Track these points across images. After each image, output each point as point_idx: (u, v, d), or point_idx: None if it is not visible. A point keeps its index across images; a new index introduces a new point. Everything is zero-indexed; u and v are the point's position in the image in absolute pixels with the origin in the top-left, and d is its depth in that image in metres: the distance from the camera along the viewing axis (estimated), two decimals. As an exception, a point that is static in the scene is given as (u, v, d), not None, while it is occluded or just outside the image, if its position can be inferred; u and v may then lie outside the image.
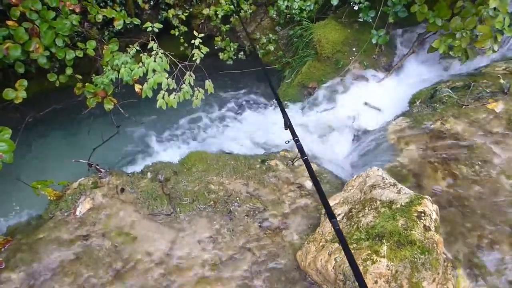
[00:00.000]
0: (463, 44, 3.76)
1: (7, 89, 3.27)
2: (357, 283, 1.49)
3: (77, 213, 3.13)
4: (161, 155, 4.51)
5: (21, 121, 4.02)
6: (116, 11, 3.93)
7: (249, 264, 2.74)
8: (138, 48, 3.62)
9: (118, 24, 3.81)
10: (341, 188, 3.13)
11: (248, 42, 5.41)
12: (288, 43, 5.34)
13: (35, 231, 3.03)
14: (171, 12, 4.98)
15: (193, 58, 3.41)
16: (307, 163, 2.05)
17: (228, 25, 5.19)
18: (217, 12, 5.02)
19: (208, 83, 3.45)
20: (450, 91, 3.81)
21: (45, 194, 3.12)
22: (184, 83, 3.35)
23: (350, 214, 2.66)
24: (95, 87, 3.68)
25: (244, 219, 3.07)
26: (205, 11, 5.04)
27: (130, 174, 3.55)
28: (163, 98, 3.30)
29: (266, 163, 3.60)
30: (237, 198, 3.23)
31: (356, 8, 4.57)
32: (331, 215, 1.74)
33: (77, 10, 3.53)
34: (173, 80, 3.32)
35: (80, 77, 3.80)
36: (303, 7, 4.87)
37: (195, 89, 3.41)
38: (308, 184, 3.37)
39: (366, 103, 4.40)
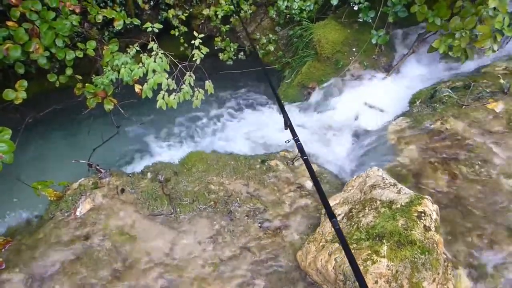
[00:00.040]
0: (462, 44, 3.76)
1: (7, 90, 3.27)
2: (357, 283, 1.49)
3: (78, 213, 3.13)
4: (161, 155, 4.51)
5: (21, 122, 4.02)
6: (116, 11, 3.93)
7: (249, 264, 2.74)
8: (138, 48, 3.62)
9: (118, 25, 3.81)
10: (341, 188, 3.13)
11: (248, 42, 5.40)
12: (288, 43, 5.34)
13: (36, 232, 3.04)
14: (171, 12, 4.98)
15: (193, 59, 3.41)
16: (307, 163, 2.05)
17: (228, 26, 5.19)
18: (217, 13, 5.01)
19: (208, 84, 3.44)
20: (450, 91, 3.81)
21: (46, 194, 3.13)
22: (184, 84, 3.35)
23: (350, 214, 2.66)
24: (95, 88, 3.68)
25: (244, 219, 3.07)
26: (205, 12, 5.04)
27: (130, 175, 3.55)
28: (163, 98, 3.30)
29: (266, 163, 3.60)
30: (237, 199, 3.23)
31: (356, 8, 4.57)
32: (331, 215, 1.74)
33: (77, 10, 3.53)
34: (173, 81, 3.32)
35: (80, 77, 3.79)
36: (303, 7, 4.87)
37: (195, 89, 3.41)
38: (308, 184, 3.37)
39: (366, 103, 4.40)
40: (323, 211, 2.91)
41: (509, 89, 3.54)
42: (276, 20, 5.21)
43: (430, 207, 2.43)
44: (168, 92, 3.32)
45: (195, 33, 3.42)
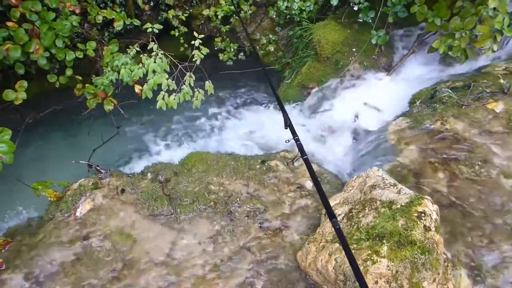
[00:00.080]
0: (462, 44, 3.76)
1: (7, 90, 3.27)
2: (357, 283, 1.49)
3: (78, 214, 3.13)
4: (161, 155, 4.51)
5: (21, 122, 4.02)
6: (116, 12, 3.93)
7: (249, 265, 2.74)
8: (138, 49, 3.63)
9: (118, 25, 3.81)
10: (341, 188, 3.13)
11: (248, 43, 5.41)
12: (288, 43, 5.35)
13: (36, 232, 3.04)
14: (171, 13, 4.98)
15: (193, 59, 3.41)
16: (307, 162, 2.05)
17: (228, 26, 5.19)
18: (217, 13, 5.02)
19: (208, 84, 3.45)
20: (450, 91, 3.81)
21: (46, 195, 3.13)
22: (184, 84, 3.35)
23: (350, 214, 2.66)
24: (95, 88, 3.68)
25: (245, 219, 3.07)
26: (205, 12, 5.04)
27: (130, 175, 3.55)
28: (163, 99, 3.30)
29: (266, 164, 3.60)
30: (238, 199, 3.23)
31: (355, 8, 4.57)
32: (331, 215, 1.74)
33: (77, 11, 3.53)
34: (173, 81, 3.32)
35: (80, 78, 3.79)
36: (303, 8, 4.87)
37: (195, 90, 3.41)
38: (308, 184, 3.37)
39: (366, 104, 4.40)
40: (323, 211, 2.91)
41: (509, 89, 3.54)
42: (276, 20, 5.21)
43: (430, 207, 2.43)
44: (168, 92, 3.33)
45: (195, 34, 3.43)
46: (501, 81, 3.59)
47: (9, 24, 3.23)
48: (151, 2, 4.93)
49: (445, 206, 2.87)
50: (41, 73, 4.04)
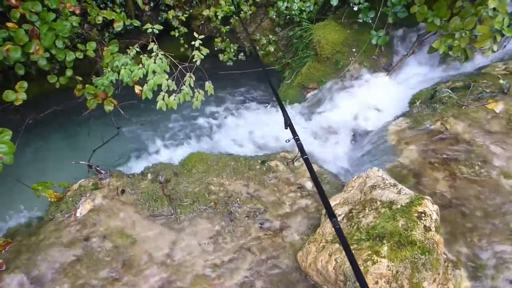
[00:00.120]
0: (462, 44, 3.76)
1: (7, 91, 3.27)
2: (357, 284, 1.49)
3: (78, 214, 3.14)
4: (161, 156, 4.51)
5: (21, 123, 4.02)
6: (116, 12, 3.93)
7: (249, 265, 2.74)
8: (138, 49, 3.63)
9: (118, 26, 3.81)
10: (341, 188, 3.13)
11: (248, 43, 5.41)
12: (288, 44, 5.35)
13: (36, 233, 3.04)
14: (171, 13, 4.99)
15: (193, 60, 3.41)
16: (307, 162, 2.06)
17: (228, 26, 5.20)
18: (217, 13, 5.02)
19: (208, 85, 3.45)
20: (450, 91, 3.81)
21: (46, 195, 3.13)
22: (184, 85, 3.35)
23: (351, 214, 2.66)
24: (95, 89, 3.68)
25: (245, 220, 3.07)
26: (205, 12, 5.04)
27: (130, 176, 3.55)
28: (163, 99, 3.30)
29: (266, 164, 3.60)
30: (238, 199, 3.23)
31: (355, 8, 4.57)
32: (331, 215, 1.74)
33: (77, 11, 3.53)
34: (173, 82, 3.32)
35: (80, 78, 3.79)
36: (303, 8, 4.87)
37: (195, 90, 3.41)
38: (309, 184, 3.37)
39: (366, 104, 4.40)
40: (324, 211, 2.91)
41: (509, 90, 3.54)
42: (276, 21, 5.21)
43: (430, 207, 2.43)
44: (168, 93, 3.33)
45: (195, 34, 3.43)
46: (501, 81, 3.59)
47: (9, 25, 3.24)
48: (151, 2, 4.94)
49: (445, 206, 2.87)
50: (41, 74, 4.04)
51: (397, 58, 4.77)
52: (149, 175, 3.53)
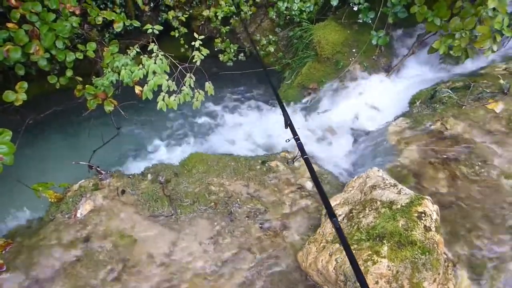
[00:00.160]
0: (462, 44, 3.76)
1: (8, 91, 3.27)
2: (358, 284, 1.49)
3: (78, 215, 3.14)
4: (161, 156, 4.51)
5: (22, 123, 4.02)
6: (116, 13, 3.93)
7: (250, 265, 2.74)
8: (138, 50, 3.63)
9: (117, 27, 3.81)
10: (342, 189, 3.13)
11: (248, 44, 5.41)
12: (288, 44, 5.35)
13: (36, 233, 3.04)
14: (171, 13, 4.99)
15: (194, 60, 3.41)
16: (307, 162, 2.06)
17: (228, 27, 5.20)
18: (217, 14, 5.02)
19: (208, 85, 3.45)
20: (450, 91, 3.81)
21: (46, 196, 3.13)
22: (185, 85, 3.35)
23: (351, 214, 2.66)
24: (96, 89, 3.68)
25: (245, 220, 3.07)
26: (205, 13, 5.04)
27: (130, 176, 3.55)
28: (163, 100, 3.30)
29: (266, 164, 3.60)
30: (238, 199, 3.23)
31: (355, 9, 4.57)
32: (331, 214, 1.74)
33: (77, 12, 3.53)
34: (173, 82, 3.32)
35: (80, 79, 3.79)
36: (303, 8, 4.88)
37: (195, 90, 3.41)
38: (309, 185, 3.37)
39: (366, 104, 4.41)
40: (324, 211, 2.91)
41: (509, 90, 3.54)
42: (276, 21, 5.21)
43: (430, 207, 2.43)
44: (169, 93, 3.33)
45: (195, 35, 3.43)
46: (501, 81, 3.59)
47: (9, 25, 3.24)
48: (151, 3, 4.94)
49: (445, 206, 2.87)
50: (41, 74, 4.04)
51: (397, 58, 4.77)
52: (149, 175, 3.53)
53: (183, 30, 5.06)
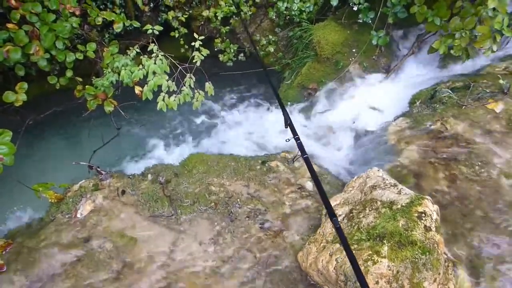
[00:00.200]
0: (463, 44, 3.76)
1: (8, 92, 3.28)
2: (358, 284, 1.49)
3: (78, 215, 3.14)
4: (161, 157, 4.51)
5: (22, 124, 4.03)
6: (116, 13, 3.94)
7: (250, 265, 2.74)
8: (138, 50, 3.63)
9: (117, 27, 3.81)
10: (342, 189, 3.13)
11: (248, 44, 5.41)
12: (287, 44, 5.35)
13: (36, 234, 3.04)
14: (171, 14, 4.99)
15: (193, 60, 3.42)
16: (307, 161, 2.06)
17: (228, 27, 5.20)
18: (217, 14, 5.02)
19: (208, 85, 3.45)
20: (450, 91, 3.81)
21: (46, 196, 3.13)
22: (184, 85, 3.36)
23: (351, 215, 2.66)
24: (96, 89, 3.69)
25: (245, 220, 3.07)
26: (205, 13, 5.05)
27: (130, 176, 3.55)
28: (163, 100, 3.31)
29: (266, 164, 3.60)
30: (238, 200, 3.23)
31: (355, 9, 4.57)
32: (331, 214, 1.74)
33: (77, 12, 3.54)
34: (173, 82, 3.33)
35: (80, 79, 3.80)
36: (303, 9, 4.88)
37: (195, 91, 3.41)
38: (309, 185, 3.37)
39: (366, 104, 4.41)
40: (324, 211, 2.92)
41: (509, 90, 3.54)
42: (276, 21, 5.22)
43: (430, 207, 2.43)
44: (169, 93, 3.33)
45: (195, 35, 3.43)
46: (501, 81, 3.59)
47: (10, 26, 3.24)
48: (151, 3, 4.94)
49: (445, 206, 2.87)
50: (41, 75, 4.04)
51: (397, 58, 4.77)
52: (149, 175, 3.53)
53: (183, 30, 5.06)
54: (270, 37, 5.25)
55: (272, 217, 3.09)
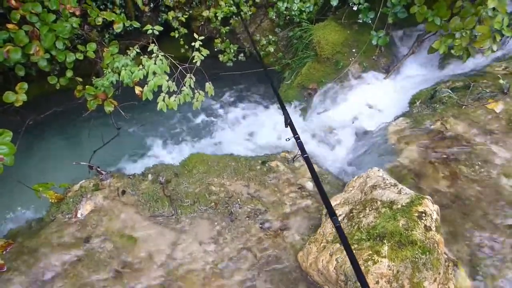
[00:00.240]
0: (463, 43, 3.77)
1: (8, 92, 3.27)
2: (358, 283, 1.49)
3: (79, 215, 3.14)
4: (161, 157, 4.52)
5: (22, 124, 4.03)
6: (116, 14, 3.94)
7: (250, 265, 2.74)
8: (138, 50, 3.63)
9: (117, 27, 3.81)
10: (342, 188, 3.14)
11: (248, 44, 5.42)
12: (287, 44, 5.35)
13: (37, 234, 3.04)
14: (171, 14, 4.99)
15: (194, 61, 3.42)
16: (307, 161, 2.06)
17: (227, 27, 5.20)
18: (217, 14, 5.02)
19: (208, 86, 3.45)
20: (450, 91, 3.81)
21: (46, 196, 3.13)
22: (185, 86, 3.36)
23: (351, 214, 2.66)
24: (96, 90, 3.69)
25: (245, 220, 3.07)
26: (205, 13, 5.05)
27: (131, 176, 3.55)
28: (163, 100, 3.31)
29: (266, 164, 3.60)
30: (238, 200, 3.23)
31: (355, 9, 4.58)
32: (331, 213, 1.75)
33: (77, 13, 3.54)
34: (174, 83, 3.33)
35: (80, 79, 3.80)
36: (303, 9, 4.88)
37: (195, 91, 3.42)
38: (309, 185, 3.37)
39: (366, 104, 4.41)
40: (324, 211, 2.92)
41: (509, 90, 3.54)
42: (276, 21, 5.22)
43: (430, 207, 2.43)
44: (169, 94, 3.33)
45: (195, 35, 3.43)
46: (501, 81, 3.59)
47: (10, 26, 3.24)
48: (151, 3, 4.94)
49: (446, 206, 2.87)
50: (41, 75, 4.04)
51: (397, 58, 4.77)
52: (149, 175, 3.53)
53: (183, 30, 5.07)
54: (270, 37, 5.26)
55: (272, 217, 3.09)
